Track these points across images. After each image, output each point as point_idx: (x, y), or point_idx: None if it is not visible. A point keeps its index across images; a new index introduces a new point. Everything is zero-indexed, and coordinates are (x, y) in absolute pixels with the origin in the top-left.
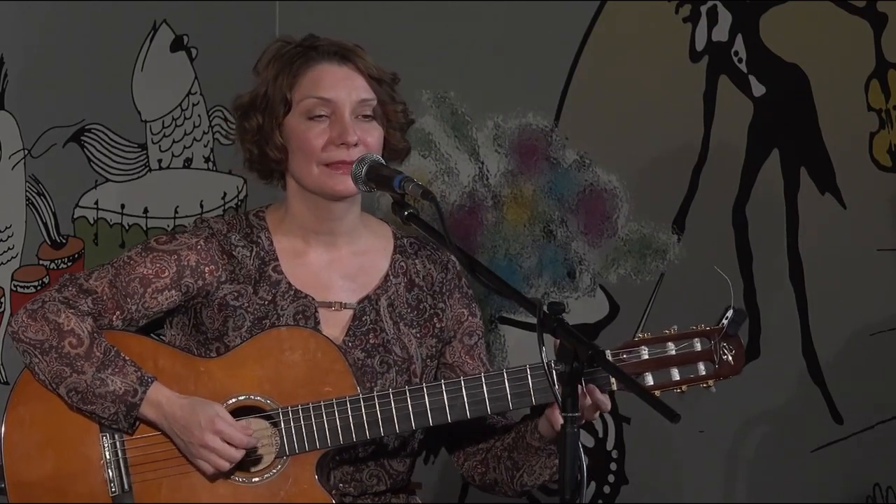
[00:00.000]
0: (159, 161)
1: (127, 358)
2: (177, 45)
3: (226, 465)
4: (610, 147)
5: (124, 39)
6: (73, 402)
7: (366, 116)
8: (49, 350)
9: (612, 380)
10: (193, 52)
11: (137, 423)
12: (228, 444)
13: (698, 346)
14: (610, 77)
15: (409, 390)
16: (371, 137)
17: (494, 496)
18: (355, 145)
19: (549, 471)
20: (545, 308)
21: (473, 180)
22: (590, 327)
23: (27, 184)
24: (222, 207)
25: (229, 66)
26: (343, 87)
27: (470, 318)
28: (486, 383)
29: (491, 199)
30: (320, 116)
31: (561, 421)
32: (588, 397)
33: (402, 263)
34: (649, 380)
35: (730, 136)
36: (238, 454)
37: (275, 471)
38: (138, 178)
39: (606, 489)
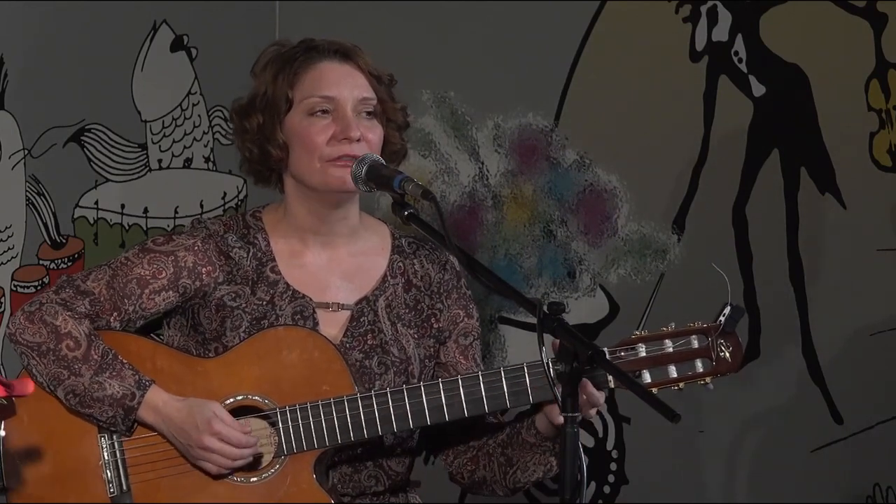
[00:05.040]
0: (159, 161)
1: (125, 361)
2: (177, 45)
3: (228, 464)
4: (610, 147)
5: (124, 39)
6: (71, 404)
7: (368, 114)
8: (46, 352)
9: (610, 378)
10: (193, 52)
11: (135, 426)
12: (227, 443)
13: (695, 344)
14: (610, 77)
15: (406, 390)
16: (372, 134)
17: (486, 497)
18: (358, 141)
19: (542, 468)
20: (545, 308)
21: (473, 180)
22: (590, 327)
23: (27, 184)
24: (222, 207)
25: (229, 66)
26: (345, 84)
27: (466, 319)
28: (483, 382)
29: (491, 199)
30: (323, 112)
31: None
32: (582, 394)
33: (400, 264)
34: (647, 377)
35: (730, 136)
36: (239, 452)
37: (273, 470)
38: (138, 178)
39: (606, 489)
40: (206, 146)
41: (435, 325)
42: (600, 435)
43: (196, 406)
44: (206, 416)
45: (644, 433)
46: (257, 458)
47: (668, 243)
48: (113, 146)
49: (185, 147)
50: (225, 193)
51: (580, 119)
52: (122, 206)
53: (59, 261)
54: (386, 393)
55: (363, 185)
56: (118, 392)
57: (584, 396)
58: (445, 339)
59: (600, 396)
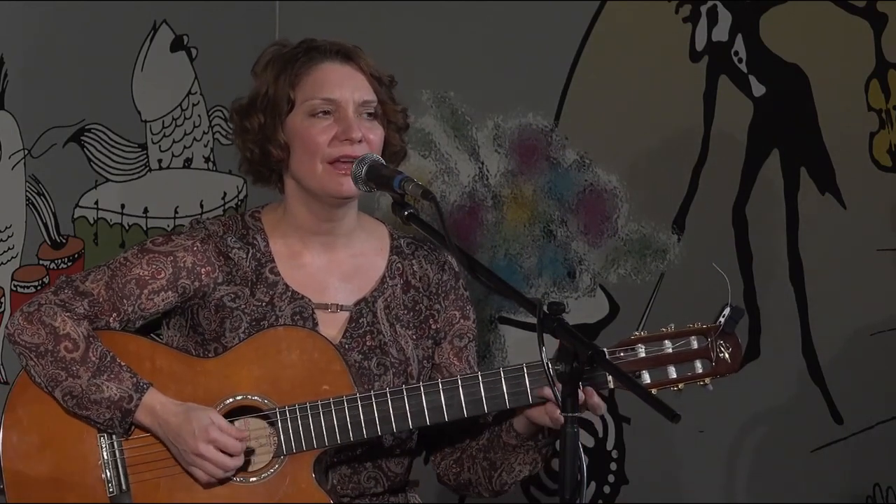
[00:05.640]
0: (159, 161)
1: (123, 363)
2: (177, 45)
3: (220, 474)
4: (610, 147)
5: (124, 39)
6: (69, 405)
7: (369, 115)
8: (45, 354)
9: (610, 378)
10: (193, 52)
11: (132, 428)
12: (222, 451)
13: (695, 344)
14: (610, 77)
15: (406, 390)
16: (374, 135)
17: (475, 498)
18: (359, 142)
19: (528, 466)
20: (545, 308)
21: (473, 180)
22: (590, 327)
23: (27, 184)
24: (222, 207)
25: (229, 66)
26: (347, 86)
27: (462, 320)
28: (483, 382)
29: (491, 199)
30: (325, 113)
31: (546, 417)
32: (584, 397)
33: (399, 264)
34: (646, 378)
35: (730, 136)
36: (232, 463)
37: (272, 470)
38: (138, 178)
39: (606, 489)
40: (206, 146)
41: (433, 326)
42: (600, 435)
43: (193, 411)
44: (203, 423)
45: (644, 433)
46: (257, 458)
47: (668, 243)
48: (113, 146)
49: (185, 147)
50: (225, 193)
51: (580, 119)
52: (122, 206)
53: (59, 261)
54: (385, 393)
55: (363, 185)
56: (115, 394)
57: (584, 397)
58: (440, 340)
59: (602, 405)
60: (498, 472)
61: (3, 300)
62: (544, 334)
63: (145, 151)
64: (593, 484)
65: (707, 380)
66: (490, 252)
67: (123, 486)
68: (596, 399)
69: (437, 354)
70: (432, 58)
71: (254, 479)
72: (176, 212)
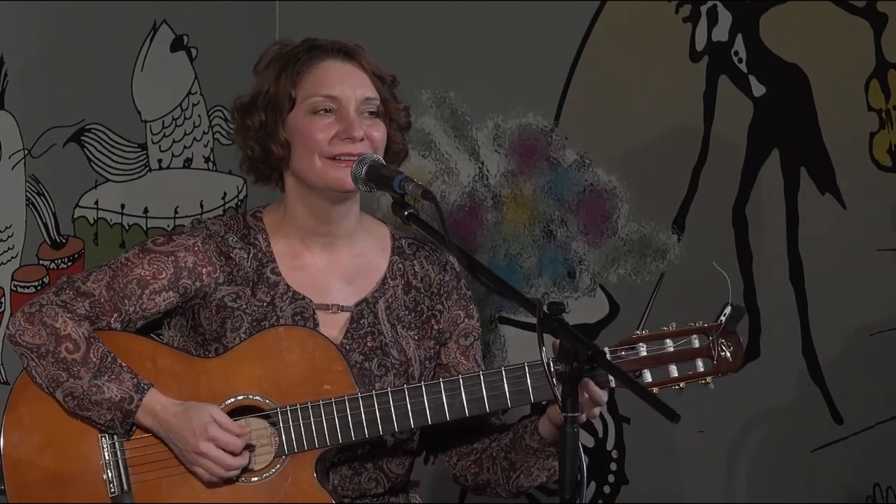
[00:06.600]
0: (159, 161)
1: (123, 364)
2: (177, 45)
3: (221, 472)
4: (610, 147)
5: (124, 39)
6: (70, 406)
7: (370, 114)
8: (46, 354)
9: (611, 378)
10: (193, 52)
11: (133, 429)
12: (224, 450)
13: (696, 343)
14: (610, 77)
15: (407, 389)
16: (377, 132)
17: (488, 498)
18: (361, 140)
19: (546, 472)
20: (545, 308)
21: (473, 180)
22: (590, 327)
23: (27, 184)
24: (222, 207)
25: (229, 66)
26: (349, 83)
27: (466, 319)
28: (484, 381)
29: (491, 199)
30: (326, 111)
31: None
32: (584, 392)
33: (400, 265)
34: (647, 377)
35: (730, 136)
36: (234, 461)
37: (274, 470)
38: (138, 178)
39: (606, 489)
40: (206, 146)
41: (435, 327)
42: (600, 435)
43: (194, 409)
44: (203, 420)
45: (644, 433)
46: (258, 458)
47: (668, 243)
48: (113, 146)
49: (185, 147)
50: (225, 193)
51: (580, 119)
52: (122, 206)
53: (59, 261)
54: (387, 392)
55: (363, 184)
56: (116, 395)
57: (587, 395)
58: (446, 341)
59: (603, 395)
60: (516, 473)
61: (3, 300)
62: (544, 334)
63: (145, 151)
64: (593, 484)
65: (708, 378)
66: (490, 252)
67: (125, 487)
68: (592, 387)
69: (443, 355)
70: (432, 58)
71: (255, 478)
72: (176, 212)
